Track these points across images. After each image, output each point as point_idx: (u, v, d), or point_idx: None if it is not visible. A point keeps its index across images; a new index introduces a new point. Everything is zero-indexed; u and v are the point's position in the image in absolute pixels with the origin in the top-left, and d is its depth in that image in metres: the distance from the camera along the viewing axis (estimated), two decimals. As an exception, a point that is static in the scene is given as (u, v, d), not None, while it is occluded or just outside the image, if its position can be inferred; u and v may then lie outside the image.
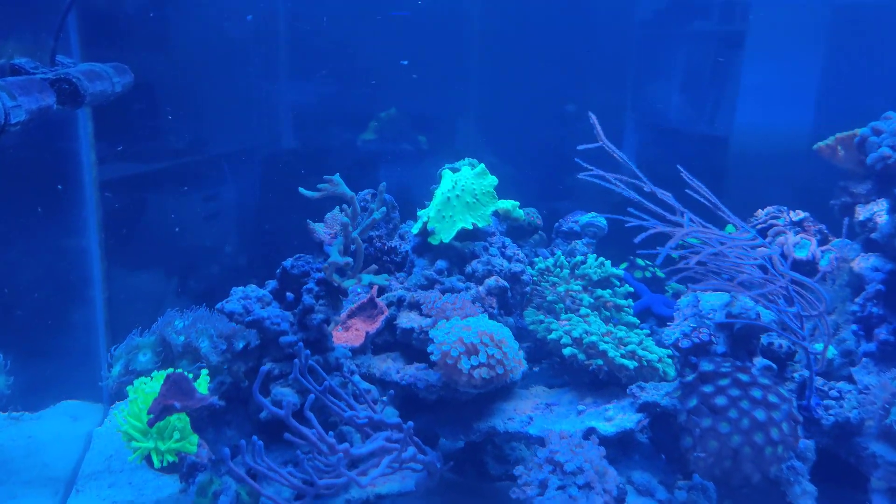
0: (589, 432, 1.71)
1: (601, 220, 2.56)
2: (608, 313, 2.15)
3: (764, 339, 1.90)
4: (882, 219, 2.07)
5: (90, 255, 2.69)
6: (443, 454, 1.73)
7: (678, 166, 1.65)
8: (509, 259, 2.16)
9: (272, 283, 1.85)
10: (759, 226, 2.36)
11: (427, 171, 3.14)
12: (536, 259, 2.23)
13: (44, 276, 2.53)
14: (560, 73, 2.99)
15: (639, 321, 2.17)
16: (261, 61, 2.90)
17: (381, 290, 2.12)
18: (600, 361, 1.90)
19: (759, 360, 1.78)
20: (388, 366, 1.93)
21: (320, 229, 2.21)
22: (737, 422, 1.58)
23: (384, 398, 1.78)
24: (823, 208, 2.42)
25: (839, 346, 1.98)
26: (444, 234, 2.11)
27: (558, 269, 2.18)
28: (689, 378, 1.70)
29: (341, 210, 2.27)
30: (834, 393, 1.82)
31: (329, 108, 3.03)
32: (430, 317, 1.96)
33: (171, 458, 1.67)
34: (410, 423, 1.57)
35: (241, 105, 2.92)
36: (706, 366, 1.70)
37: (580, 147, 1.70)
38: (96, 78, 1.96)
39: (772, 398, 1.61)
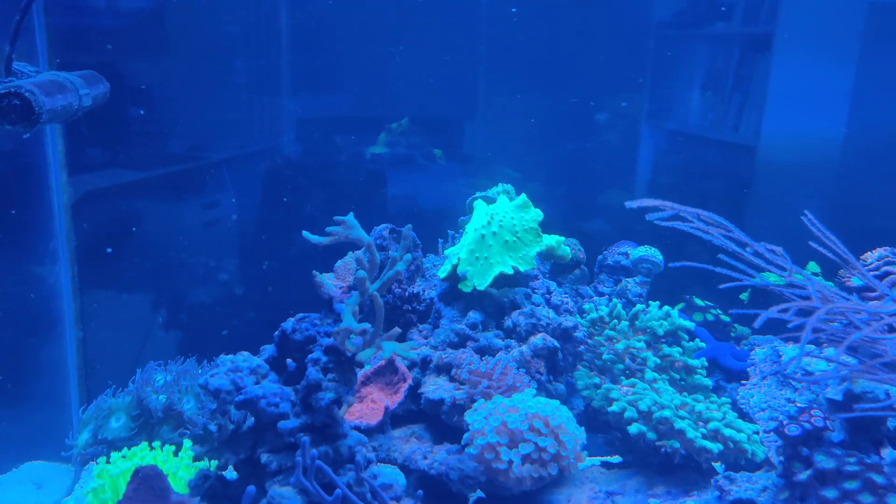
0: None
1: (657, 255, 2.16)
2: (676, 375, 1.77)
3: (891, 423, 1.52)
4: None
5: (60, 290, 2.36)
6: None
7: (805, 213, 1.27)
8: (556, 309, 1.78)
9: (269, 350, 1.47)
10: (871, 273, 1.95)
11: (445, 190, 2.84)
12: (587, 307, 1.84)
13: (4, 315, 2.19)
14: (585, 81, 2.69)
15: (711, 383, 1.79)
16: (260, 68, 2.58)
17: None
18: (677, 444, 1.53)
19: (888, 453, 1.41)
20: (413, 448, 1.55)
21: (329, 282, 1.80)
22: (876, 544, 1.21)
23: (409, 499, 1.40)
24: (856, 224, 2.09)
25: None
26: (479, 280, 1.73)
27: (615, 322, 1.80)
28: (803, 477, 1.33)
29: (356, 262, 1.87)
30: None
31: (335, 119, 2.74)
32: (462, 385, 1.59)
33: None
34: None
35: (238, 115, 2.61)
36: (825, 462, 1.33)
37: (629, 204, 1.36)
38: (58, 91, 1.59)
39: (918, 511, 1.24)
